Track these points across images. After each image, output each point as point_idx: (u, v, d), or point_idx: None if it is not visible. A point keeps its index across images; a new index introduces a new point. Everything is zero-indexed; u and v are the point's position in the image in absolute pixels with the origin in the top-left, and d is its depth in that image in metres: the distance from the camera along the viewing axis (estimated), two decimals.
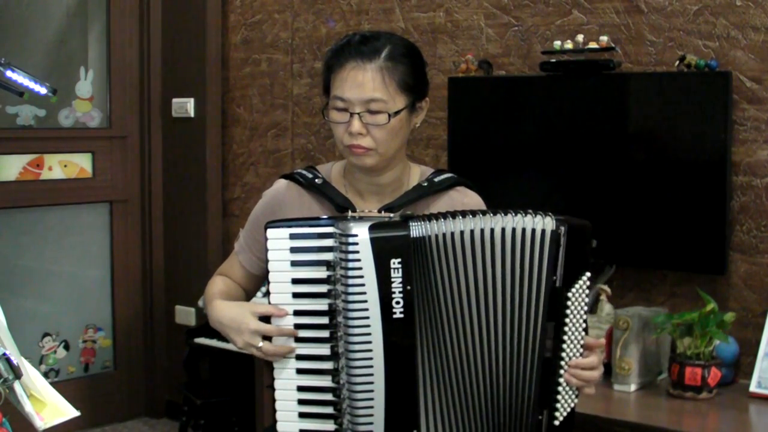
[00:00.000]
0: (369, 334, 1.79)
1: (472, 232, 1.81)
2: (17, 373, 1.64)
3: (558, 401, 1.86)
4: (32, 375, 1.73)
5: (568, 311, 1.84)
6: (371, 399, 1.80)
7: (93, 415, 4.49)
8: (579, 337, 1.87)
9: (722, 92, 3.05)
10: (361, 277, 1.78)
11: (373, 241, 1.78)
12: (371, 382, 1.80)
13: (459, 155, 3.59)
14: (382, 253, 1.78)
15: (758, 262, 3.10)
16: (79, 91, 4.54)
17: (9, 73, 3.49)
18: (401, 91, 1.96)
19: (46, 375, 4.08)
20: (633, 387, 2.96)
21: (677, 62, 3.14)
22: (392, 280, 1.78)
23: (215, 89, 4.53)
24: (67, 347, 4.52)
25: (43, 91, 3.60)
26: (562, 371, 1.85)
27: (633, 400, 2.91)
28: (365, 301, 1.79)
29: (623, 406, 2.87)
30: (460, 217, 1.82)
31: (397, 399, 1.81)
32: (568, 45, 3.33)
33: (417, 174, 2.11)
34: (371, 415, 1.80)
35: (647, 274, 3.29)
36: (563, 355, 1.85)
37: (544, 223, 1.82)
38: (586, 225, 1.88)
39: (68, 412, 1.73)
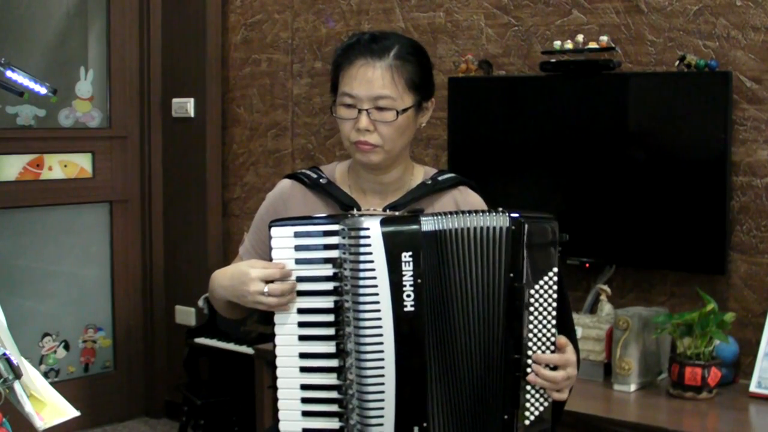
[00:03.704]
0: (380, 327, 1.80)
1: (456, 231, 1.83)
2: (17, 373, 1.64)
3: (528, 401, 1.85)
4: (32, 375, 1.73)
5: (532, 308, 1.83)
6: (382, 392, 1.81)
7: (93, 415, 4.49)
8: (548, 335, 1.85)
9: (722, 92, 3.05)
10: (373, 270, 1.79)
11: (384, 234, 1.80)
12: (382, 375, 1.80)
13: (459, 155, 3.59)
14: (393, 246, 1.80)
15: (758, 262, 3.10)
16: (79, 91, 4.54)
17: (9, 73, 3.50)
18: (409, 90, 1.99)
19: (46, 375, 4.09)
20: (633, 387, 2.96)
21: (677, 62, 3.14)
22: (403, 273, 1.80)
23: (215, 89, 4.54)
24: (67, 347, 4.52)
25: (43, 91, 3.60)
26: (529, 370, 1.84)
27: (633, 400, 2.91)
28: (377, 294, 1.80)
29: (623, 406, 2.87)
30: (449, 217, 1.84)
31: (407, 391, 1.81)
32: (568, 45, 3.33)
33: (420, 174, 2.13)
34: (381, 408, 1.81)
35: (647, 274, 3.29)
36: (529, 353, 1.84)
37: (500, 220, 1.84)
38: (549, 221, 1.86)
39: (68, 412, 1.73)
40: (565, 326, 1.90)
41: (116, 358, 4.69)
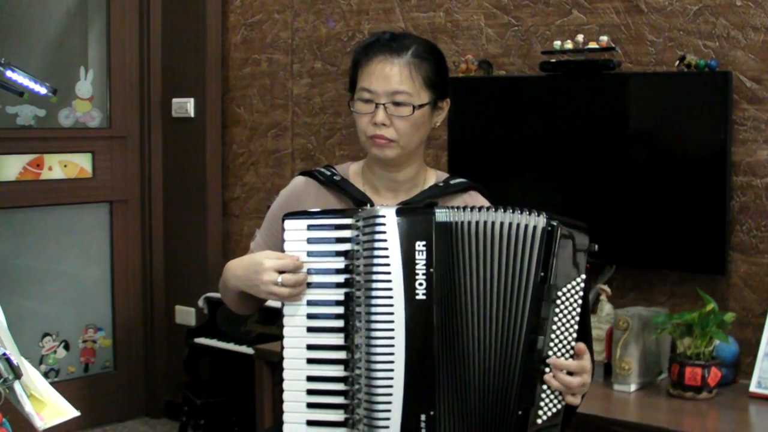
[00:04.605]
0: (392, 313, 1.83)
1: (477, 223, 1.87)
2: (17, 373, 1.65)
3: (542, 400, 1.87)
4: (32, 375, 1.73)
5: (557, 310, 1.85)
6: (391, 378, 1.83)
7: (93, 415, 4.49)
8: (569, 339, 1.87)
9: (722, 92, 3.05)
10: (387, 257, 1.83)
11: (400, 223, 1.84)
12: (392, 362, 1.83)
13: (459, 155, 3.59)
14: (408, 235, 1.84)
15: (758, 262, 3.10)
16: (79, 91, 4.54)
17: (9, 73, 3.49)
18: (426, 87, 2.04)
19: (46, 375, 4.09)
20: (633, 387, 2.96)
21: (677, 62, 3.14)
22: (416, 262, 1.84)
23: (215, 89, 4.54)
24: (67, 347, 4.52)
25: (43, 91, 3.60)
26: (547, 370, 1.86)
27: (633, 400, 2.91)
28: (389, 281, 1.83)
29: (623, 406, 2.87)
30: (469, 211, 1.89)
31: (415, 379, 1.83)
32: (568, 45, 3.33)
33: (433, 177, 2.18)
34: (390, 395, 1.83)
35: (647, 274, 3.29)
36: (549, 353, 1.86)
37: (536, 220, 1.87)
38: (582, 228, 1.90)
39: (68, 412, 1.74)
40: (583, 334, 1.91)
41: (116, 358, 4.69)
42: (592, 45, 3.30)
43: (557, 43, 3.36)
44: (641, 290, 3.32)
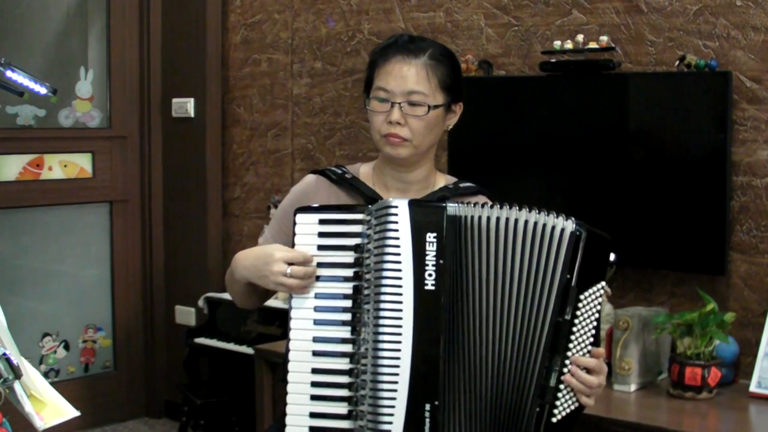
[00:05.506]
0: (400, 302, 1.85)
1: (498, 219, 1.89)
2: (17, 373, 1.65)
3: (558, 398, 1.89)
4: (32, 375, 1.73)
5: (578, 312, 1.88)
6: (398, 366, 1.85)
7: (93, 415, 4.49)
8: (586, 342, 1.90)
9: (722, 92, 3.05)
10: (398, 246, 1.86)
11: (412, 213, 1.87)
12: (399, 350, 1.85)
13: (459, 155, 3.59)
14: (419, 225, 1.87)
15: (758, 262, 3.10)
16: (79, 91, 4.55)
17: (9, 73, 3.49)
18: (441, 89, 2.07)
19: (46, 375, 4.09)
20: (633, 387, 2.96)
21: (677, 62, 3.14)
22: (427, 253, 1.87)
23: (215, 89, 4.54)
24: (67, 347, 4.52)
25: (43, 91, 3.60)
26: (565, 370, 1.89)
27: (633, 400, 2.91)
28: (399, 271, 1.86)
29: (623, 406, 2.87)
30: (488, 207, 1.91)
31: (421, 368, 1.85)
32: (568, 45, 3.33)
33: (442, 180, 2.21)
34: (396, 383, 1.85)
35: (647, 274, 3.29)
36: (568, 354, 1.89)
37: (565, 224, 1.89)
38: (605, 236, 1.93)
39: (68, 412, 1.74)
40: (597, 338, 1.94)
41: (116, 358, 4.69)
42: (592, 45, 3.30)
43: (557, 43, 3.36)
44: (641, 290, 3.32)
